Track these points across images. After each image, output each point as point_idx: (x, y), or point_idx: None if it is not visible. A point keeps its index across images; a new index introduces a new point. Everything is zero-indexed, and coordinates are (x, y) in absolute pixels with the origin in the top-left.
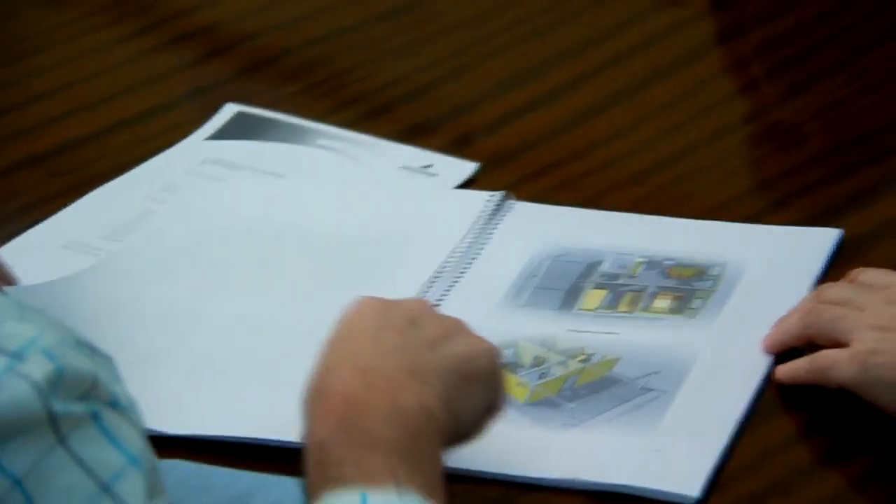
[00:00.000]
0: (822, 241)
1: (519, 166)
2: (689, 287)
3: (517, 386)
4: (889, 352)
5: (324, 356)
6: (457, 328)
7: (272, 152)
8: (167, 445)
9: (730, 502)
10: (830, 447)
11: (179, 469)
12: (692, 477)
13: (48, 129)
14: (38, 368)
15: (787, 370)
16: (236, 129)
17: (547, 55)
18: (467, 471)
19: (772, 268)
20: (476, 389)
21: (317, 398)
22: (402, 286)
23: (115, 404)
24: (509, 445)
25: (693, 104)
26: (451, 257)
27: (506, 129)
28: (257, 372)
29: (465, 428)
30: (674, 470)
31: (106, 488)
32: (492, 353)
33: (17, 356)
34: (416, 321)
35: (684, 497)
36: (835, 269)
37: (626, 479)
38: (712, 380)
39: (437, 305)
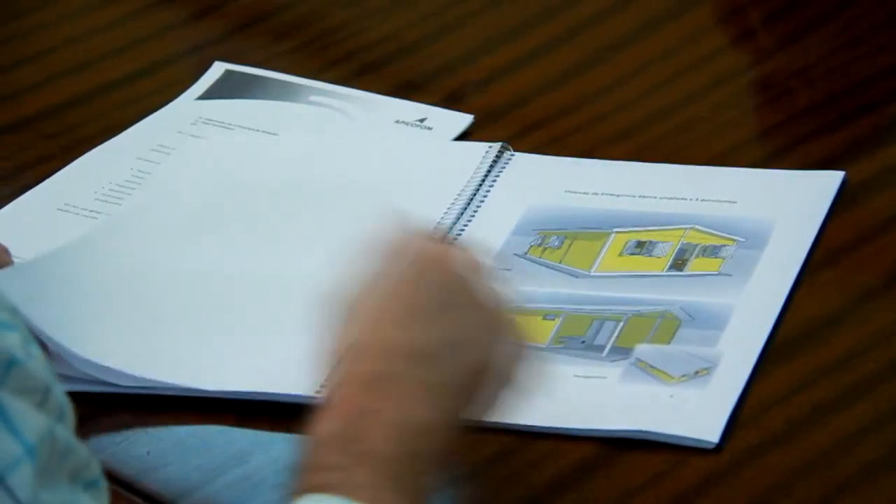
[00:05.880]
0: (824, 185)
1: (512, 121)
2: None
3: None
4: None
5: (353, 313)
6: (488, 321)
7: (265, 110)
8: (169, 406)
9: (743, 447)
10: (846, 387)
11: (176, 431)
12: (710, 422)
13: (35, 91)
14: None
15: None
16: (226, 88)
17: (538, 8)
18: (479, 421)
19: (774, 213)
20: (485, 391)
21: (334, 388)
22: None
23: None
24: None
25: (687, 56)
26: (453, 209)
27: (498, 84)
28: (263, 328)
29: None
30: (691, 415)
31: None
32: (516, 356)
33: None
34: (451, 304)
35: (704, 442)
36: (837, 215)
37: (642, 425)
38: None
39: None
